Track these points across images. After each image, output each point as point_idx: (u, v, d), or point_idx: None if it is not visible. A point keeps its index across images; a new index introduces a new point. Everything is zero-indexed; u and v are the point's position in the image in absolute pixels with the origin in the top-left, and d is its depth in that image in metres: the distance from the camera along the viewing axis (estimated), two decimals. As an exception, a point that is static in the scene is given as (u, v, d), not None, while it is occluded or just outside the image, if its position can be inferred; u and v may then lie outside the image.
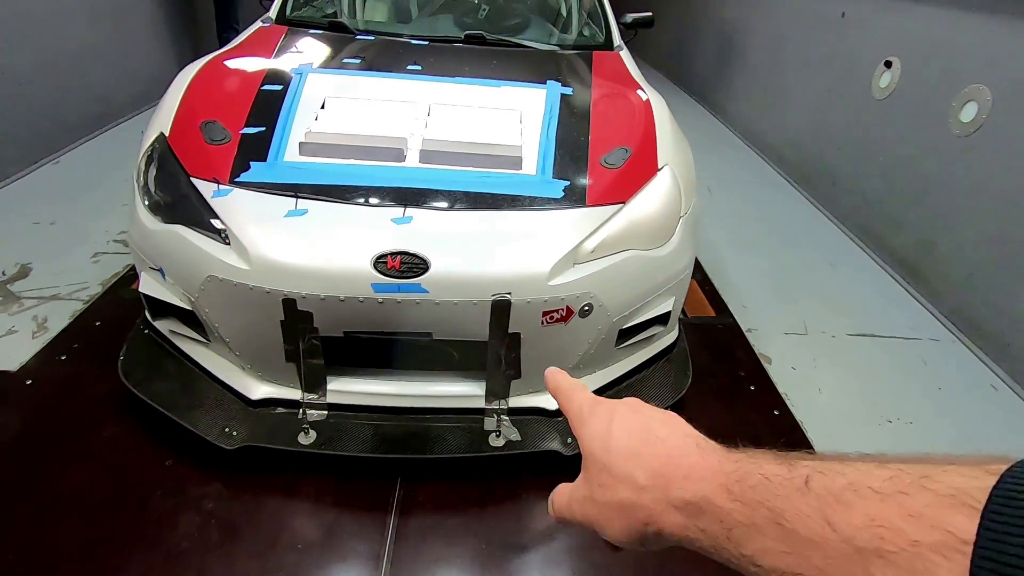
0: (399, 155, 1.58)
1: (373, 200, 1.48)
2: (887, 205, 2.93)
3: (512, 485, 1.58)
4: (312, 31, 2.24)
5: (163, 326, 1.71)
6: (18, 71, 2.98)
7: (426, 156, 1.59)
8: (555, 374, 0.48)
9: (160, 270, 1.55)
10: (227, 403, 1.60)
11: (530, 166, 1.62)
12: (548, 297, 1.44)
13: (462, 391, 1.61)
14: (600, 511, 0.38)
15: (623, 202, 1.60)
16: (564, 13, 2.83)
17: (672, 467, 0.35)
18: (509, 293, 1.41)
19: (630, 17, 2.79)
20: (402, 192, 1.51)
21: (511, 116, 1.80)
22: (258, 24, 2.33)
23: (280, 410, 1.59)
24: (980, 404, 2.06)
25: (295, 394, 1.59)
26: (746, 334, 2.30)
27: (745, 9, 4.72)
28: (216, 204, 1.46)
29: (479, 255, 1.42)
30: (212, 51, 2.05)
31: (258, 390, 1.59)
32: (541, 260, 1.43)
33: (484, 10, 2.60)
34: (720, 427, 1.85)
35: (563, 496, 0.42)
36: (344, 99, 1.77)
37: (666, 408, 1.41)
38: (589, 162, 1.67)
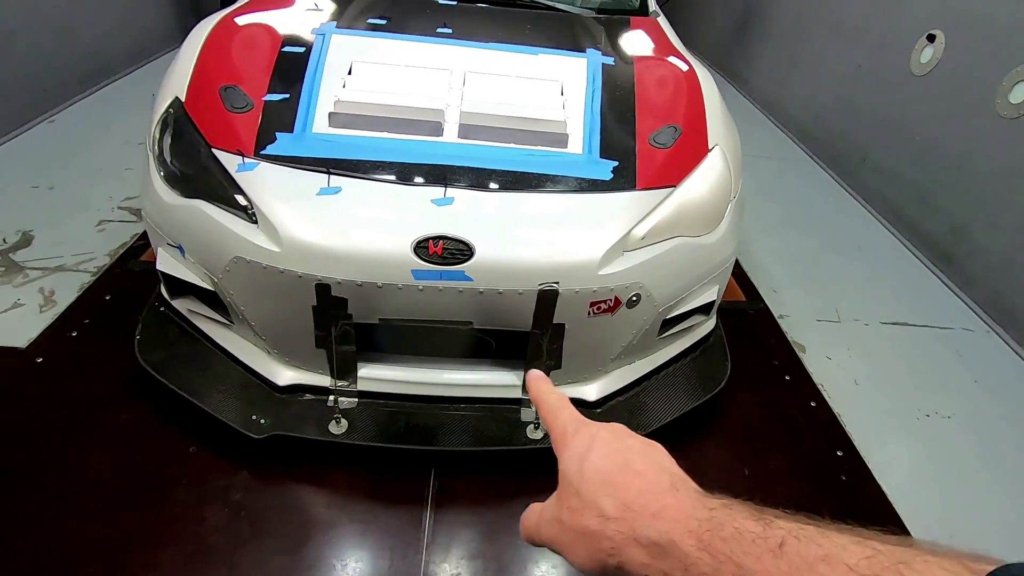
0: (436, 128, 1.47)
1: (411, 178, 1.37)
2: (921, 188, 2.84)
3: (549, 479, 1.52)
4: (331, -14, 2.07)
5: (181, 305, 1.62)
6: (6, 24, 2.78)
7: (465, 131, 1.48)
8: (539, 382, 0.46)
9: (180, 247, 1.45)
10: (252, 388, 1.52)
11: (576, 144, 1.51)
12: (597, 287, 1.35)
13: (498, 380, 1.54)
14: (565, 534, 0.37)
15: (674, 185, 1.50)
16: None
17: (643, 502, 0.34)
18: (557, 283, 1.32)
19: (664, -20, 2.62)
20: (441, 170, 1.40)
21: (552, 87, 1.67)
22: (271, -23, 2.15)
23: (308, 397, 1.51)
24: (1019, 399, 2.02)
25: (323, 380, 1.51)
26: (778, 320, 2.23)
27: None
28: (241, 179, 1.35)
29: (526, 241, 1.33)
30: (211, 4, 1.89)
31: (285, 376, 1.51)
32: (591, 248, 1.34)
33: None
34: (757, 421, 1.80)
35: (532, 516, 0.41)
36: (372, 64, 1.64)
37: (705, 399, 1.33)
38: (637, 141, 1.56)
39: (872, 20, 3.32)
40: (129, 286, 1.99)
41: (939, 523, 1.55)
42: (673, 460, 0.39)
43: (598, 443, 0.39)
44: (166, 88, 1.58)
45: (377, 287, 1.29)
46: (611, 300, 1.39)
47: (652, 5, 2.40)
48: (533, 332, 1.40)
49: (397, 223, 1.31)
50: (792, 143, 3.97)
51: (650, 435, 1.36)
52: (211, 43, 1.63)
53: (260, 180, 1.34)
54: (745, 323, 2.19)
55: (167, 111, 1.51)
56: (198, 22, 1.76)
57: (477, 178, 1.40)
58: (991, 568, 0.24)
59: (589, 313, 1.39)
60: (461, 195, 1.36)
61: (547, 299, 1.33)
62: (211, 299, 1.50)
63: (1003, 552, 0.25)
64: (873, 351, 2.15)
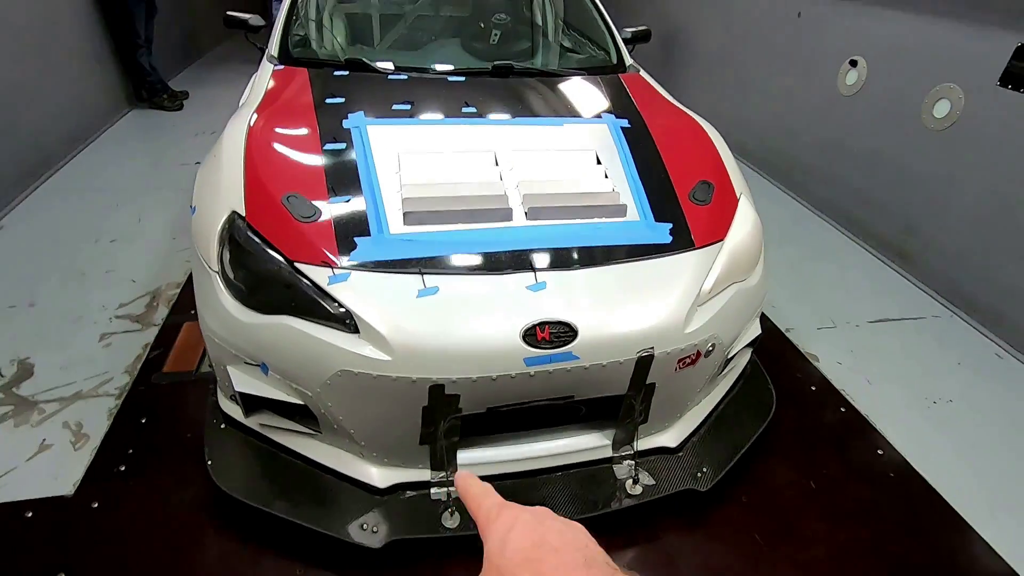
0: (507, 214, 1.53)
1: (500, 268, 1.42)
2: (867, 195, 3.20)
3: (650, 529, 1.60)
4: (336, 73, 2.08)
5: (253, 421, 1.56)
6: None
7: (533, 213, 1.55)
8: (466, 479, 0.49)
9: (262, 365, 1.41)
10: (349, 496, 1.49)
11: (632, 212, 1.62)
12: (684, 345, 1.46)
13: (590, 443, 1.60)
14: None
15: (721, 239, 1.65)
16: (560, 31, 2.81)
17: None
18: (652, 347, 1.41)
19: (629, 32, 2.82)
20: (523, 255, 1.46)
21: (588, 157, 1.78)
22: (268, 67, 2.13)
23: (409, 494, 1.50)
24: (994, 373, 2.33)
25: (422, 475, 1.51)
26: (786, 335, 2.44)
27: (693, 6, 4.89)
28: (335, 291, 1.34)
29: (620, 314, 1.41)
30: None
31: (384, 477, 1.49)
32: (676, 311, 1.45)
33: (496, 36, 2.54)
34: (803, 434, 1.97)
35: None
36: (418, 154, 1.68)
37: (767, 424, 1.45)
38: (680, 200, 1.70)
39: (796, 48, 3.71)
40: (161, 403, 1.87)
41: (981, 499, 1.76)
42: (591, 538, 0.42)
43: (519, 524, 0.42)
44: (214, 201, 1.54)
45: (492, 380, 1.32)
46: (694, 354, 1.50)
47: (628, 59, 2.58)
48: (628, 394, 1.48)
49: (501, 315, 1.35)
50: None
51: (732, 468, 1.46)
52: (253, 149, 1.61)
53: (354, 289, 1.34)
54: (760, 342, 2.37)
55: (227, 228, 1.47)
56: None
57: (560, 259, 1.47)
58: None
59: (676, 369, 1.49)
60: (551, 277, 1.42)
61: (644, 363, 1.42)
62: (295, 411, 1.47)
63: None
64: (871, 349, 2.40)
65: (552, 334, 1.34)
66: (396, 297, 1.34)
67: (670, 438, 1.67)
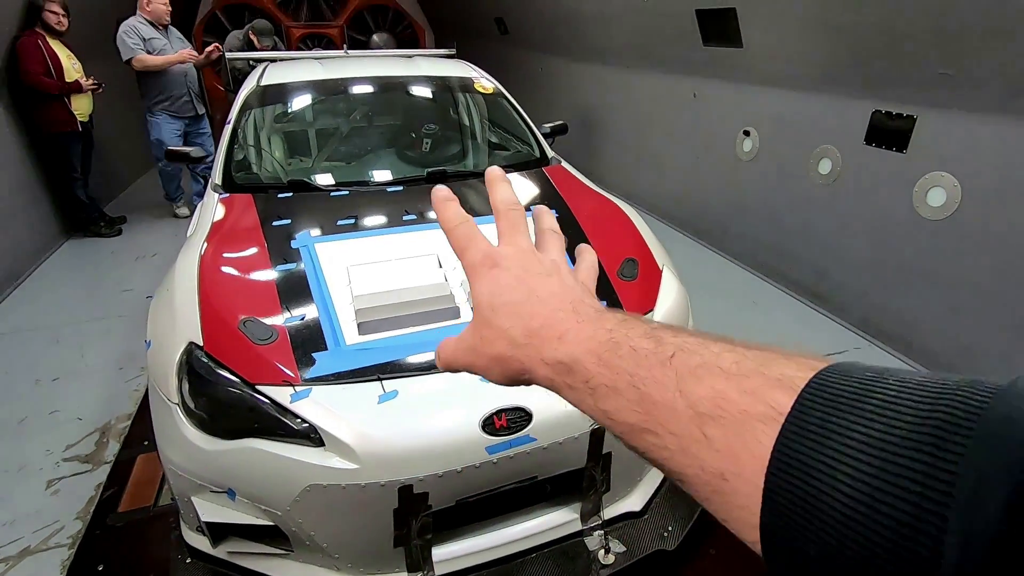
0: (454, 312, 1.65)
1: (453, 364, 1.52)
2: (778, 245, 3.54)
3: (631, 597, 1.64)
4: (280, 195, 2.21)
5: (220, 550, 1.54)
6: None
7: (478, 307, 1.67)
8: (445, 205, 0.46)
9: (228, 491, 1.43)
10: (328, 613, 1.47)
11: (568, 295, 1.77)
12: (632, 412, 1.57)
13: (559, 520, 1.66)
14: (481, 359, 0.42)
15: (651, 309, 1.82)
16: (487, 129, 3.09)
17: (548, 328, 0.38)
18: (603, 419, 1.52)
19: (547, 127, 3.13)
20: (474, 348, 1.57)
21: (523, 249, 1.95)
22: (213, 196, 2.24)
23: (389, 601, 1.50)
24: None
25: (400, 578, 1.52)
26: (729, 384, 2.61)
27: (601, 96, 5.42)
28: (298, 408, 1.40)
29: (569, 392, 1.52)
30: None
31: (362, 588, 1.49)
32: (619, 381, 1.57)
33: (427, 144, 2.77)
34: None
35: (449, 347, 0.45)
36: (366, 265, 1.79)
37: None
38: (610, 278, 1.87)
39: (696, 124, 4.17)
40: (120, 546, 1.80)
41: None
42: (574, 278, 0.44)
43: (506, 277, 0.42)
44: (170, 333, 1.58)
45: (457, 472, 1.39)
46: (642, 419, 1.62)
47: (550, 152, 2.85)
48: (587, 466, 1.57)
49: (459, 408, 1.44)
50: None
51: (696, 523, 1.56)
52: (206, 279, 1.68)
53: (317, 404, 1.41)
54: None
55: (185, 359, 1.52)
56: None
57: (507, 348, 1.58)
58: (824, 366, 0.29)
59: (628, 436, 1.60)
60: (502, 367, 1.53)
61: (598, 435, 1.53)
62: (264, 533, 1.47)
63: None
64: (806, 388, 2.59)
65: (509, 420, 1.43)
66: (358, 406, 1.41)
67: (635, 502, 1.75)
